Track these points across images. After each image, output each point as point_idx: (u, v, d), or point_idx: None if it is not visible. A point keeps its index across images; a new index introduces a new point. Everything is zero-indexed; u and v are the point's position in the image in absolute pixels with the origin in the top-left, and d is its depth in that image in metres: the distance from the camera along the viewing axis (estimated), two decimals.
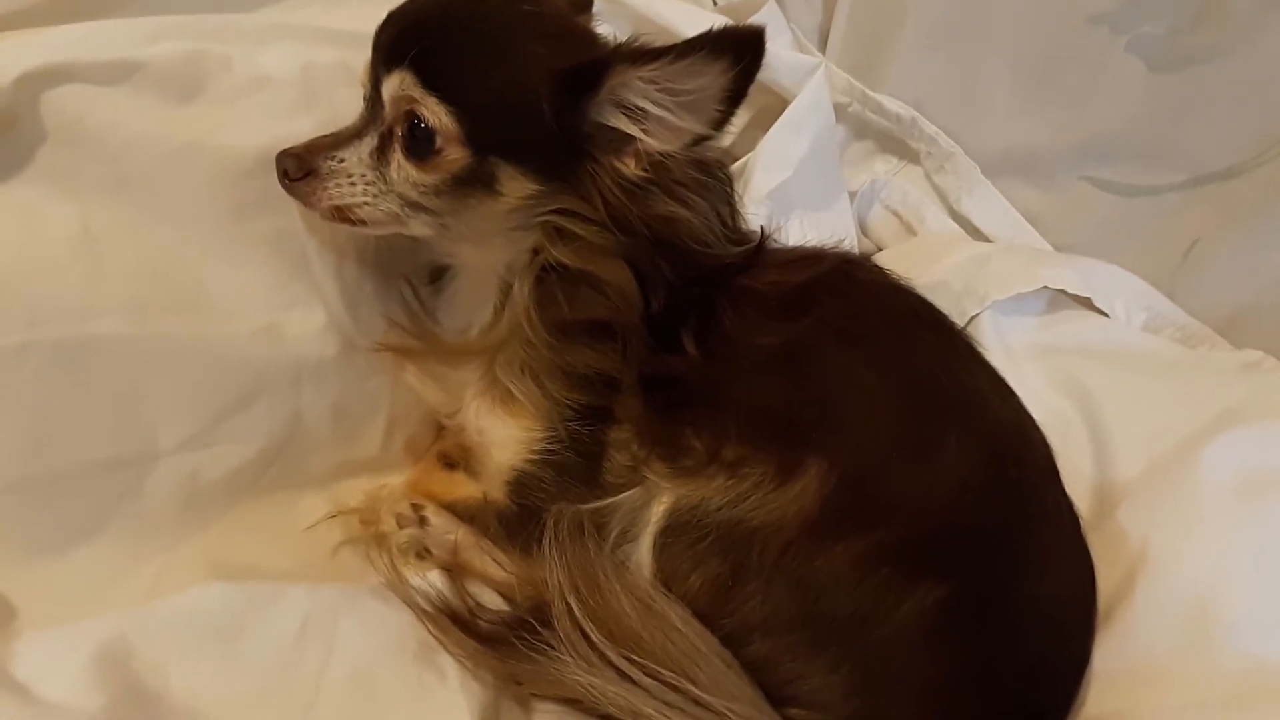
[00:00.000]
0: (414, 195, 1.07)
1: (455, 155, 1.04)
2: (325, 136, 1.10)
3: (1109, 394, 1.35)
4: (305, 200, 1.09)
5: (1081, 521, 1.08)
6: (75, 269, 1.05)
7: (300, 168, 1.07)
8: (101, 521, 1.07)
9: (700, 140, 1.02)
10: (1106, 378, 1.38)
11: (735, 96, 0.97)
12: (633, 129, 1.01)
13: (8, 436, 1.01)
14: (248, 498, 1.17)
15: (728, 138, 1.50)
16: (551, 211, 1.07)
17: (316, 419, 1.20)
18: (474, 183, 1.05)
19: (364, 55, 1.15)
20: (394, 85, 1.04)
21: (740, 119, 1.58)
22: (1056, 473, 1.08)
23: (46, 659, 0.89)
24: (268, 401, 1.16)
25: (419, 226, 1.10)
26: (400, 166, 1.06)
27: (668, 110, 0.99)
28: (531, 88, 1.02)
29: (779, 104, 1.54)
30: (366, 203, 1.08)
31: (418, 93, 1.02)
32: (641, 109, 1.00)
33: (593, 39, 1.13)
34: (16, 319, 1.01)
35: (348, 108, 1.17)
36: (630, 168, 1.04)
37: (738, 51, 0.94)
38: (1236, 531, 1.08)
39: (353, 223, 1.10)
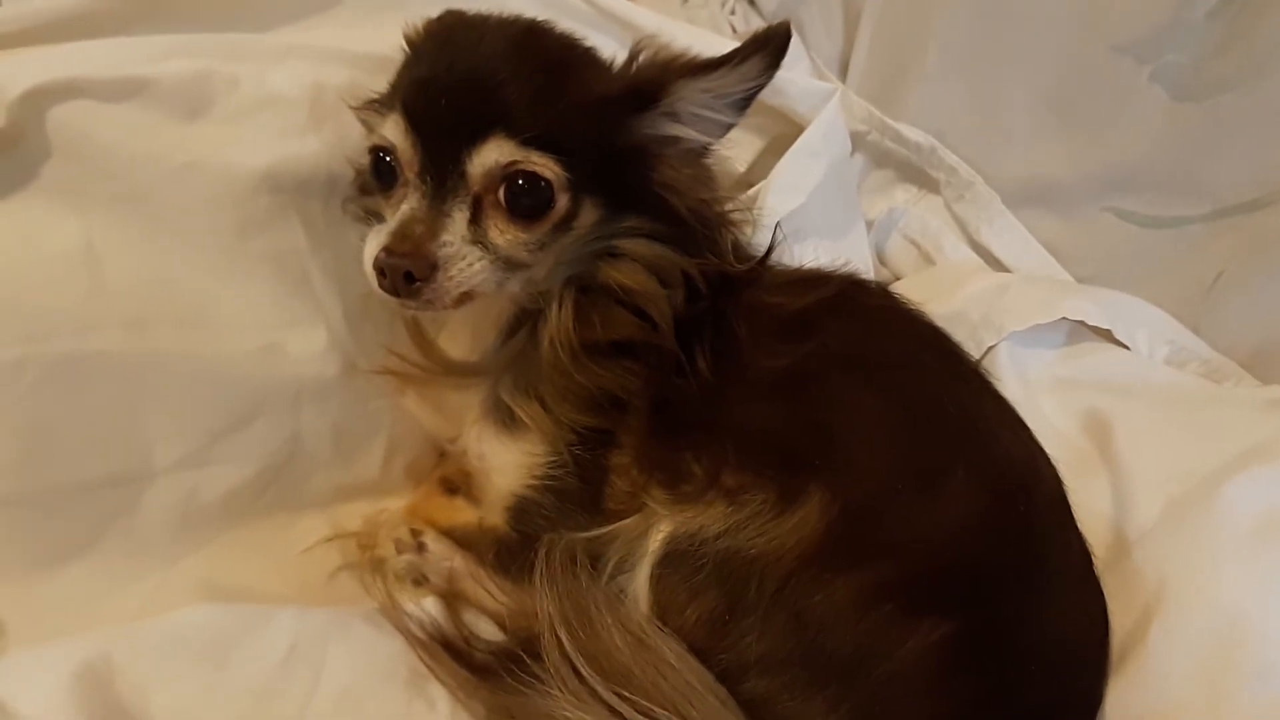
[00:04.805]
0: (521, 255, 1.04)
1: (563, 203, 1.03)
2: (411, 225, 1.00)
3: (1129, 429, 1.31)
4: (428, 300, 1.00)
5: (1095, 559, 1.04)
6: (76, 284, 1.05)
7: (426, 267, 0.98)
8: (95, 538, 1.07)
9: (730, 127, 1.10)
10: (1126, 412, 1.34)
11: (764, 84, 1.07)
12: (683, 131, 1.08)
13: (3, 450, 1.01)
14: (245, 518, 1.16)
15: (741, 164, 1.50)
16: (615, 233, 1.08)
17: (316, 440, 1.19)
18: (562, 225, 1.05)
19: (375, 77, 1.15)
20: (492, 155, 0.99)
21: (755, 146, 1.58)
22: (1068, 508, 1.04)
23: (27, 676, 0.88)
24: (267, 421, 1.15)
25: (514, 284, 1.07)
26: (502, 231, 1.02)
27: (715, 110, 1.08)
28: (600, 116, 1.04)
29: (794, 131, 1.52)
30: (486, 278, 1.02)
31: (521, 154, 1.00)
32: (692, 114, 1.07)
33: (595, 55, 1.13)
34: (15, 333, 1.01)
35: (355, 129, 1.17)
36: (677, 166, 1.09)
37: (777, 47, 1.04)
38: (1257, 573, 1.04)
39: (464, 302, 1.04)
